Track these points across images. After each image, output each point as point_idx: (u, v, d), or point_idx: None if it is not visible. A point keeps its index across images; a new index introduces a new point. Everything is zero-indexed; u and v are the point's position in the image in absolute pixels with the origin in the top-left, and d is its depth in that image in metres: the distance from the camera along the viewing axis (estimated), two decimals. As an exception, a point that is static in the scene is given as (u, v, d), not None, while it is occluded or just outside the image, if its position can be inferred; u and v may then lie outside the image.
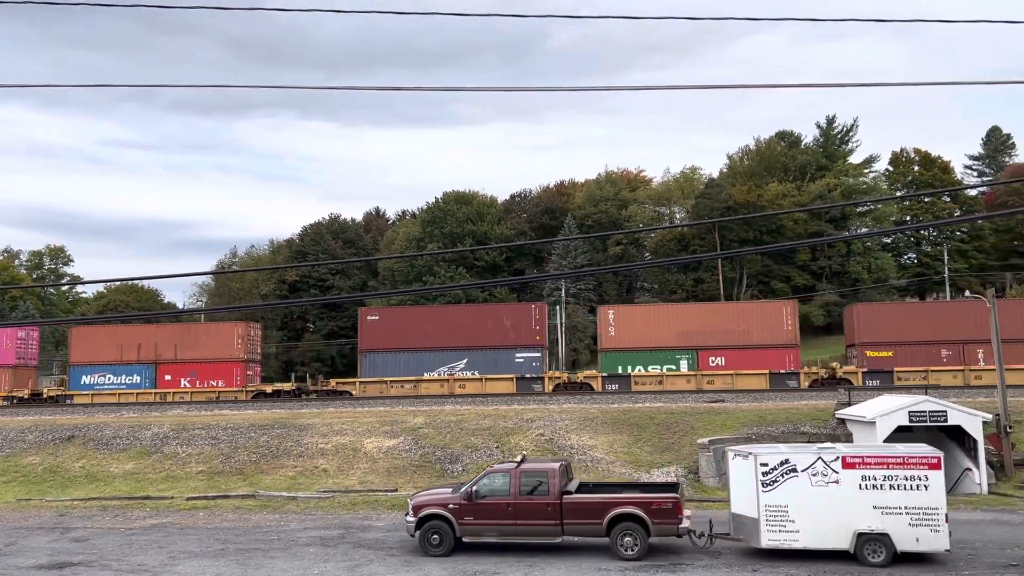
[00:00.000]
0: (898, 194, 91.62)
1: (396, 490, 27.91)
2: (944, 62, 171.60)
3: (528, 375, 45.89)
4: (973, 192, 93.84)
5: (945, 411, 26.76)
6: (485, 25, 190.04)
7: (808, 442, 28.90)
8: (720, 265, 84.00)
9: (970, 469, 26.47)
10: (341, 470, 30.01)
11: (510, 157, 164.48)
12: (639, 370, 45.71)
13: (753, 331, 45.86)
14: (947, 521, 17.13)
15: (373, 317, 48.74)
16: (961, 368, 44.32)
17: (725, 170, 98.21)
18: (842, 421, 29.76)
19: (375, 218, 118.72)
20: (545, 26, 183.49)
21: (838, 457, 17.76)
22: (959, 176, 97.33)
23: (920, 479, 17.34)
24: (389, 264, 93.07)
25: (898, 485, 17.35)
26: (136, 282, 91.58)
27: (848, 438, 28.92)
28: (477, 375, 46.42)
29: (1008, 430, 27.52)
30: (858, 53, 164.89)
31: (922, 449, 18.20)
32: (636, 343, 46.13)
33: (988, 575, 15.88)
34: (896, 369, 44.48)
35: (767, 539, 17.71)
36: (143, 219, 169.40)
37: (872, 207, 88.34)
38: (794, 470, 17.86)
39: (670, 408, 34.78)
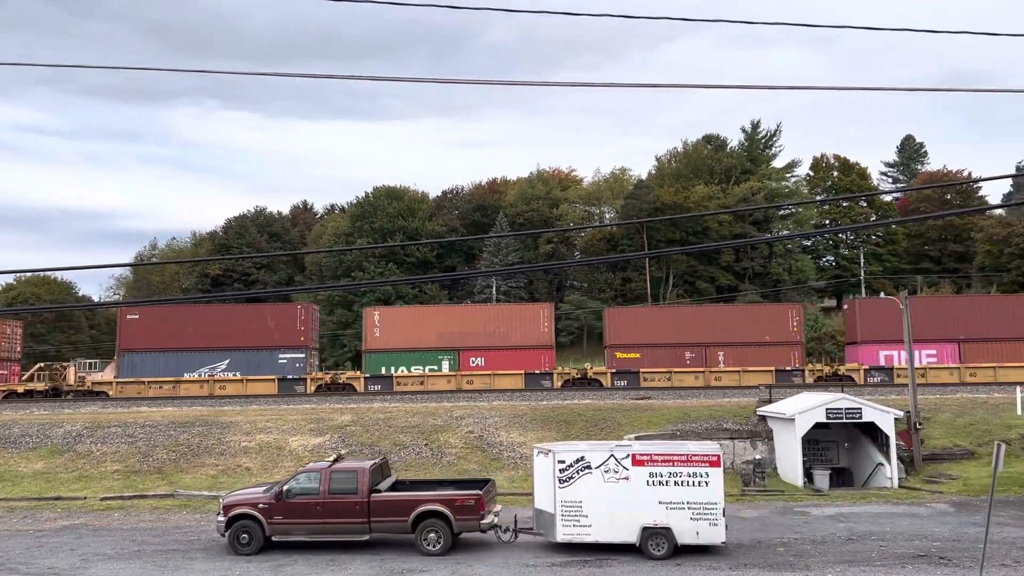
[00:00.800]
0: (818, 198, 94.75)
1: (322, 488, 27.43)
2: (860, 71, 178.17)
3: (290, 376, 45.95)
4: (888, 198, 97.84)
5: (860, 408, 27.76)
6: (414, 19, 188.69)
7: (730, 439, 29.70)
8: (647, 265, 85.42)
9: (882, 464, 27.53)
10: (265, 469, 29.36)
11: (441, 154, 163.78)
12: (402, 371, 46.48)
13: (512, 332, 47.19)
14: (724, 515, 18.07)
15: (133, 316, 47.47)
16: (703, 370, 46.22)
17: (654, 172, 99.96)
18: (763, 418, 30.57)
19: (303, 212, 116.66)
20: (476, 23, 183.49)
21: (629, 455, 18.53)
22: (875, 182, 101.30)
23: (702, 476, 18.18)
24: (317, 259, 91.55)
25: (682, 482, 18.20)
26: (48, 273, 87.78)
27: (769, 434, 29.75)
28: (239, 376, 46.08)
29: (918, 427, 28.72)
30: (780, 60, 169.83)
31: (705, 447, 19.08)
32: (400, 344, 46.87)
33: (899, 565, 16.52)
34: (642, 370, 46.14)
35: (562, 533, 18.49)
36: (57, 208, 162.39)
37: (793, 211, 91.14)
38: (589, 467, 18.59)
39: (598, 405, 35.17)
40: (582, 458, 18.63)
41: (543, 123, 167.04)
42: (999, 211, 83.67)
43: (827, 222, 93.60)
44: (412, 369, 46.54)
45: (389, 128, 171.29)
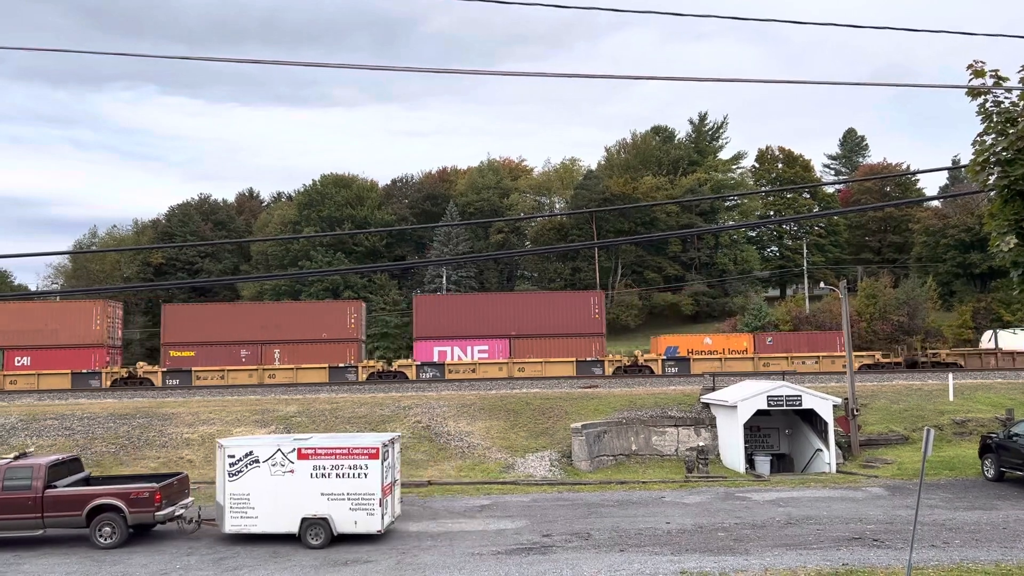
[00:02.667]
0: (763, 189, 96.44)
1: (266, 480, 27.10)
2: (802, 65, 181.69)
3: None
4: (830, 189, 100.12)
5: (800, 395, 28.43)
6: (355, 7, 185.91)
7: (675, 426, 30.15)
8: (597, 254, 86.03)
9: (821, 449, 28.27)
10: (208, 461, 28.85)
11: (386, 142, 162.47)
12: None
13: (61, 331, 47.93)
14: (380, 505, 18.78)
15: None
16: (256, 367, 47.29)
17: (603, 162, 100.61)
18: (707, 405, 31.11)
19: (248, 200, 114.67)
20: (418, 10, 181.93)
21: (295, 449, 19.14)
22: (818, 174, 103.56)
23: (362, 468, 18.86)
24: (263, 248, 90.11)
25: (343, 474, 18.89)
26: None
27: (712, 422, 30.29)
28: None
29: (855, 413, 29.53)
30: (722, 54, 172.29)
31: (365, 440, 19.72)
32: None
33: (834, 548, 16.98)
34: (195, 368, 46.99)
35: (230, 525, 19.09)
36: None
37: (739, 202, 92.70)
38: (257, 461, 19.14)
39: (546, 394, 35.37)
40: (251, 452, 19.18)
41: (489, 112, 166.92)
42: (936, 203, 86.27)
43: (771, 213, 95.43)
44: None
45: (332, 116, 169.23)
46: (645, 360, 47.54)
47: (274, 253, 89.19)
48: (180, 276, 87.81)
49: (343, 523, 18.63)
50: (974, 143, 11.35)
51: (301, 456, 18.96)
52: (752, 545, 17.45)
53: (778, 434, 30.99)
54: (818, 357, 47.46)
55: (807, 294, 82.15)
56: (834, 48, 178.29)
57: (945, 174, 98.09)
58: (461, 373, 46.41)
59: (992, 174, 11.14)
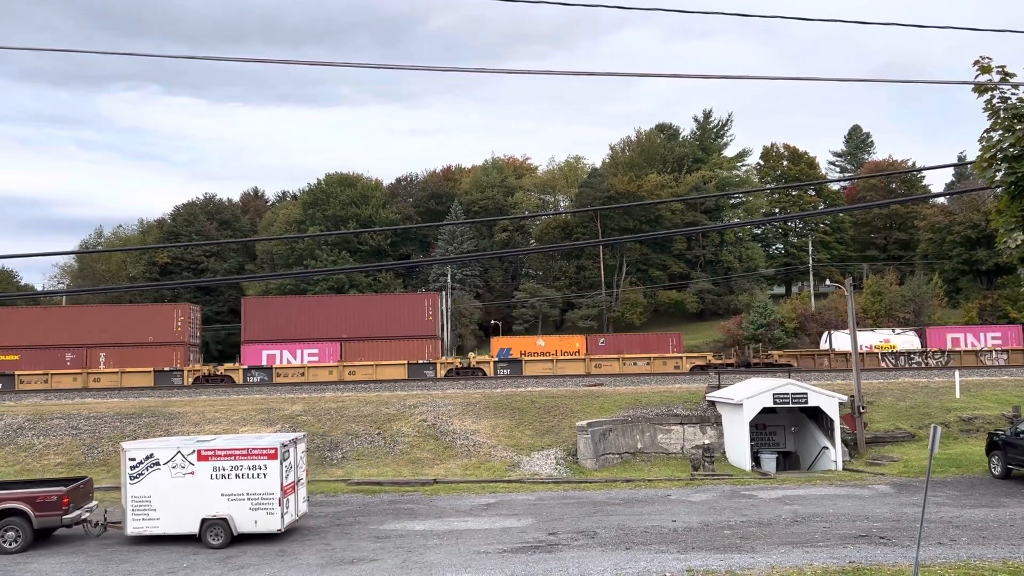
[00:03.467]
0: (768, 187, 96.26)
1: (273, 479, 27.16)
2: (807, 62, 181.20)
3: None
4: (836, 186, 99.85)
5: (806, 393, 28.37)
6: (357, 6, 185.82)
7: (680, 424, 30.10)
8: (601, 253, 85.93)
9: (827, 447, 28.20)
10: (214, 459, 28.92)
11: (389, 140, 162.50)
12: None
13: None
14: (280, 505, 18.96)
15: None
16: (81, 371, 47.29)
17: (607, 160, 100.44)
18: (712, 403, 31.06)
19: (253, 199, 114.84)
20: (420, 9, 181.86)
21: (195, 451, 19.34)
22: (823, 171, 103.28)
23: (261, 468, 19.10)
24: (268, 247, 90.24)
25: (243, 474, 19.11)
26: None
27: (718, 419, 30.24)
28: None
29: (861, 410, 29.46)
30: (726, 51, 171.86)
31: (263, 441, 19.88)
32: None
33: (841, 545, 16.94)
34: (18, 372, 46.92)
35: (132, 527, 19.28)
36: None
37: (744, 199, 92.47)
38: (158, 464, 19.35)
39: (551, 392, 35.37)
40: (151, 455, 19.37)
41: (493, 111, 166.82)
42: (942, 200, 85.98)
43: (776, 211, 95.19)
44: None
45: (335, 115, 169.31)
46: (477, 362, 47.98)
47: (279, 252, 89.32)
48: (186, 276, 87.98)
49: (243, 523, 18.87)
50: (981, 139, 11.31)
51: (201, 458, 19.18)
52: (758, 543, 17.43)
53: (784, 432, 30.93)
54: (650, 358, 47.78)
55: (812, 291, 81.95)
56: (839, 45, 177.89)
57: (951, 171, 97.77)
58: (290, 377, 46.52)
59: (999, 170, 11.09)
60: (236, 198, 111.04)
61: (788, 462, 29.64)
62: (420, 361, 47.24)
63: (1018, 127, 10.78)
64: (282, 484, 19.05)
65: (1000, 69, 11.06)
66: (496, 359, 47.99)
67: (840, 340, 50.80)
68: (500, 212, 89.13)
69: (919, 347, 49.85)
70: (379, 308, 50.55)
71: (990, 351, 49.23)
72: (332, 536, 19.46)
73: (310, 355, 48.12)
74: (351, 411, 32.52)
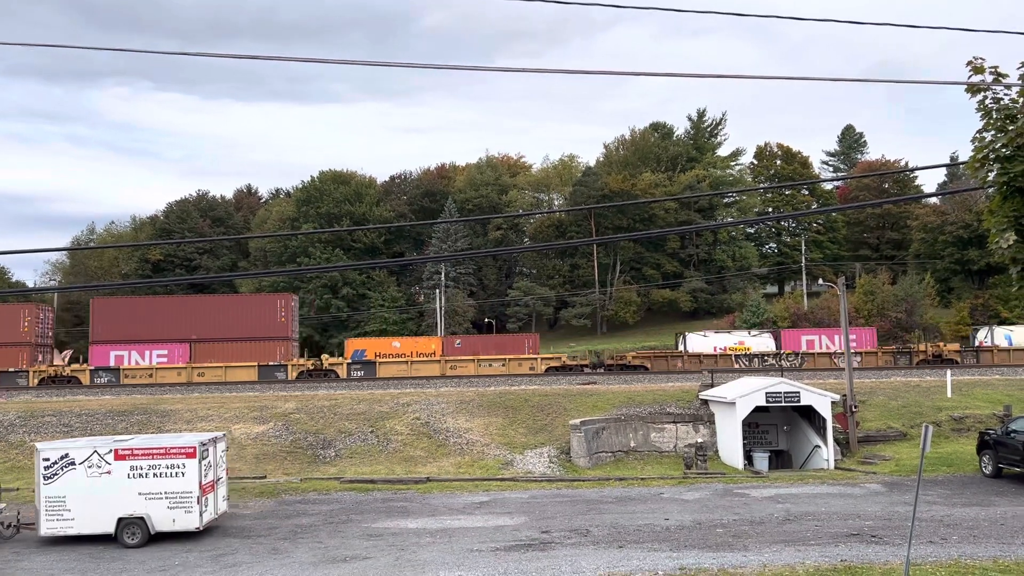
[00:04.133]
0: (762, 186, 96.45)
1: (265, 477, 27.14)
2: (800, 61, 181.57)
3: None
4: (829, 186, 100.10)
5: (799, 392, 28.45)
6: (350, 2, 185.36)
7: (673, 423, 30.16)
8: (595, 251, 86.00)
9: (819, 446, 28.29)
10: (207, 457, 28.85)
11: (383, 138, 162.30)
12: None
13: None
14: (199, 503, 19.03)
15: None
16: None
17: (602, 159, 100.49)
18: (705, 402, 31.12)
19: (246, 196, 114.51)
20: (413, 6, 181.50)
21: (112, 450, 19.29)
22: (817, 170, 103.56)
23: (180, 467, 19.16)
24: (261, 244, 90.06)
25: (161, 473, 19.17)
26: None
27: (710, 418, 30.30)
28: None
29: (853, 409, 29.56)
30: (718, 50, 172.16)
31: (182, 440, 19.96)
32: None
33: (833, 544, 17.01)
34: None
35: (46, 528, 19.16)
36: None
37: (737, 198, 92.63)
38: (73, 463, 19.24)
39: (544, 390, 35.38)
40: (66, 455, 19.26)
41: (486, 109, 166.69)
42: (934, 200, 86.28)
43: (770, 210, 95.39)
44: None
45: (328, 112, 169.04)
46: (330, 364, 48.09)
47: (272, 250, 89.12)
48: (178, 273, 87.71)
49: (161, 521, 18.89)
50: (973, 140, 11.34)
51: (118, 457, 19.13)
52: (751, 541, 17.47)
53: (776, 431, 31.02)
54: (505, 359, 47.99)
55: (805, 291, 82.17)
56: (831, 44, 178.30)
57: (944, 171, 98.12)
58: (138, 378, 46.27)
59: (991, 171, 11.12)
60: (229, 195, 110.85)
61: (781, 461, 29.72)
62: (271, 363, 47.27)
63: (1011, 128, 10.81)
64: (201, 483, 19.08)
65: (993, 70, 11.09)
66: (350, 361, 48.07)
67: (694, 342, 51.67)
68: (494, 210, 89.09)
69: (774, 349, 50.59)
70: (230, 309, 50.38)
71: (843, 353, 49.72)
72: (325, 534, 19.44)
73: (159, 356, 47.86)
74: (344, 409, 32.48)
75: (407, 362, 47.57)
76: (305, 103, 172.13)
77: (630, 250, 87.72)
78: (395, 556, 17.16)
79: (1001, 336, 51.93)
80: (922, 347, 50.74)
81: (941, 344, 52.10)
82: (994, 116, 11.14)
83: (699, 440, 29.27)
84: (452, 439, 29.98)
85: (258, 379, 45.45)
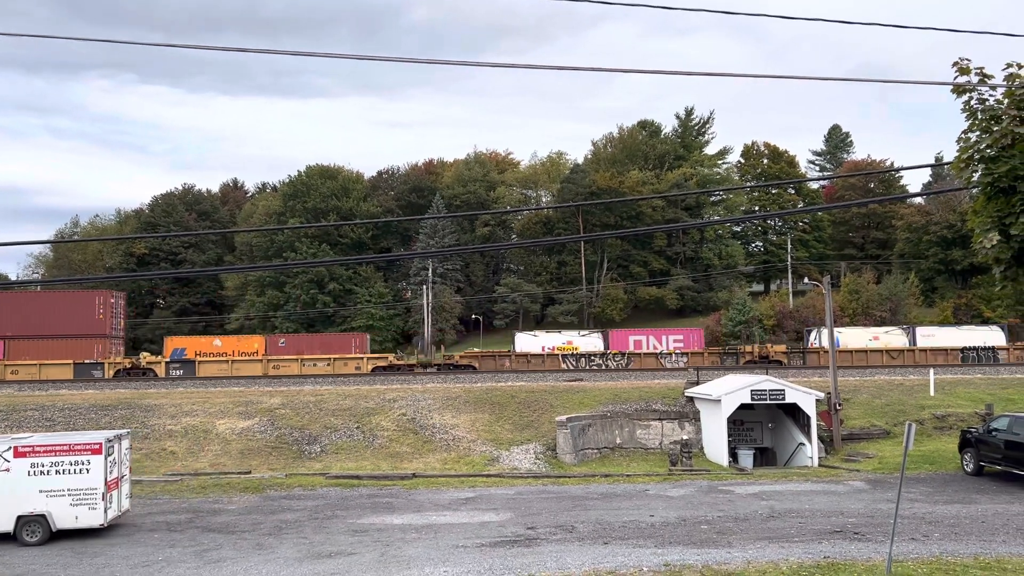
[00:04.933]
0: (748, 185, 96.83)
1: (250, 472, 27.02)
2: (785, 61, 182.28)
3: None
4: (815, 185, 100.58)
5: (783, 389, 28.59)
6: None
7: (659, 420, 30.25)
8: (583, 248, 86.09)
9: (803, 443, 28.45)
10: (191, 452, 28.72)
11: (369, 133, 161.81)
12: None
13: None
14: (103, 499, 18.99)
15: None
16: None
17: (590, 156, 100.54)
18: (691, 399, 31.24)
19: (233, 190, 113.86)
20: (399, 1, 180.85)
21: (11, 447, 19.11)
22: (803, 170, 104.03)
23: (84, 464, 19.05)
24: (247, 238, 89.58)
25: (64, 470, 19.03)
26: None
27: (696, 415, 30.42)
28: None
29: (837, 407, 29.75)
30: (704, 49, 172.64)
31: (87, 437, 19.84)
32: None
33: (816, 541, 17.11)
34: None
35: None
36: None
37: (724, 197, 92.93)
38: None
39: (531, 387, 35.41)
40: None
41: (473, 105, 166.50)
42: (919, 200, 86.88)
43: (756, 208, 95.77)
44: None
45: (313, 106, 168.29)
46: (148, 363, 48.13)
47: (258, 244, 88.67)
48: (163, 266, 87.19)
49: (63, 519, 18.72)
50: (959, 140, 11.43)
51: (18, 454, 18.88)
52: (735, 538, 17.56)
53: (761, 428, 31.18)
54: (331, 359, 48.43)
55: (791, 289, 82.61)
56: (818, 44, 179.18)
57: (928, 171, 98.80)
58: None
59: (976, 171, 11.23)
60: (215, 189, 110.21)
61: (765, 458, 29.88)
62: (87, 361, 47.08)
63: (995, 128, 10.91)
64: (106, 479, 18.98)
65: (979, 71, 11.18)
66: (169, 360, 47.99)
67: (523, 342, 52.91)
68: (482, 207, 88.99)
69: (602, 349, 51.87)
70: (47, 306, 50.00)
71: (670, 354, 50.99)
72: (310, 530, 19.38)
73: None
74: (330, 405, 32.39)
75: (228, 361, 47.72)
76: (291, 97, 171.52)
77: (617, 247, 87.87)
78: (380, 552, 17.14)
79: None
80: (748, 348, 52.45)
81: (769, 346, 53.70)
82: (979, 117, 11.24)
83: (684, 437, 29.38)
84: (438, 435, 29.96)
85: (74, 377, 45.34)
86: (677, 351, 51.49)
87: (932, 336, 52.57)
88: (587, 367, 49.12)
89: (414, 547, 17.45)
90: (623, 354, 51.24)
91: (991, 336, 52.27)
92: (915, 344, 51.89)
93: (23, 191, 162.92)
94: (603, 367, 49.30)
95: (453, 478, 25.97)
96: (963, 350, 51.33)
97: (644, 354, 51.22)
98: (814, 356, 51.05)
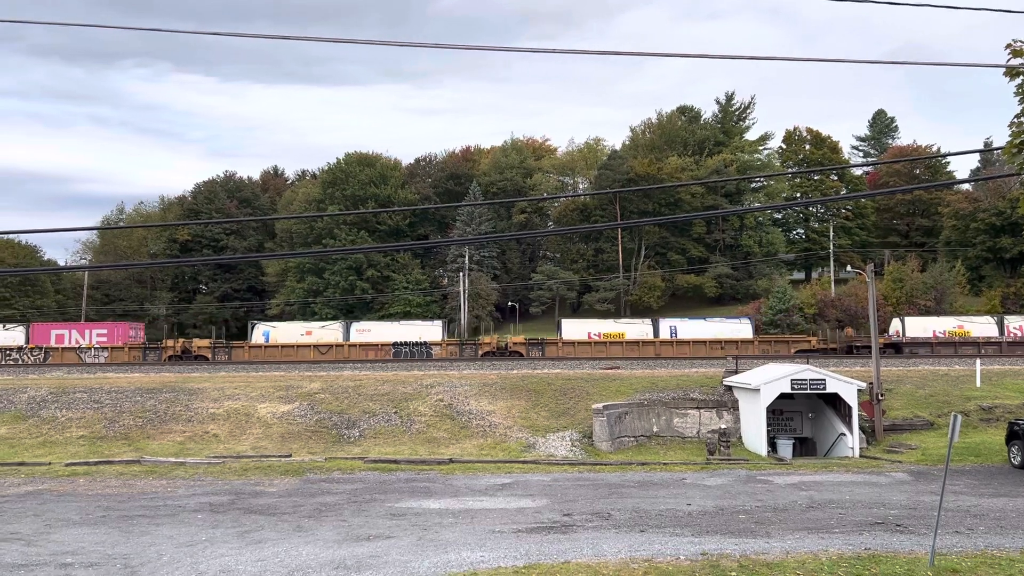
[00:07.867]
0: (790, 171, 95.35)
1: (290, 456, 27.44)
2: (820, 44, 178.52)
3: None
4: (858, 171, 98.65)
5: (824, 379, 28.20)
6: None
7: (696, 408, 30.05)
8: (620, 235, 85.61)
9: (844, 434, 28.06)
10: (233, 435, 29.25)
11: (400, 120, 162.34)
12: None
13: None
14: None
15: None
16: None
17: (628, 142, 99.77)
18: (729, 388, 30.97)
19: (273, 177, 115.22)
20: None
21: None
22: (846, 155, 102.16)
23: None
24: (287, 225, 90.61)
25: None
26: (12, 237, 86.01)
27: (734, 404, 30.16)
28: None
29: (880, 397, 29.27)
30: (735, 32, 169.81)
31: None
32: None
33: (856, 532, 16.89)
34: None
35: None
36: (15, 170, 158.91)
37: (765, 183, 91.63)
38: None
39: (567, 374, 35.40)
40: None
41: (505, 91, 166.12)
42: (966, 186, 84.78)
43: (798, 195, 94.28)
44: None
45: (344, 94, 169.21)
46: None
47: (298, 231, 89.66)
48: (206, 253, 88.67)
49: None
50: (1011, 124, 11.13)
51: None
52: (773, 528, 17.40)
53: (801, 418, 30.82)
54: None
55: (833, 277, 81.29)
56: (851, 26, 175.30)
57: (976, 157, 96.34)
58: None
59: (1028, 156, 10.91)
60: (256, 176, 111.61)
61: (805, 448, 29.54)
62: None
63: (1049, 112, 10.58)
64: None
65: (1032, 53, 10.85)
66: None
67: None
68: (518, 193, 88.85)
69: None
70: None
71: (89, 348, 50.96)
72: (349, 513, 19.63)
73: None
74: (368, 390, 32.73)
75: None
76: (322, 85, 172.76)
77: (655, 235, 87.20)
78: (418, 536, 17.31)
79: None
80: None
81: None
82: (1032, 100, 10.91)
83: (722, 426, 29.16)
84: (475, 421, 30.12)
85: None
86: (99, 345, 51.66)
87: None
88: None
89: (451, 531, 17.59)
90: (41, 348, 51.50)
91: None
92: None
93: (66, 178, 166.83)
94: (21, 362, 48.82)
95: (489, 464, 26.10)
96: None
97: (63, 348, 51.36)
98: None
